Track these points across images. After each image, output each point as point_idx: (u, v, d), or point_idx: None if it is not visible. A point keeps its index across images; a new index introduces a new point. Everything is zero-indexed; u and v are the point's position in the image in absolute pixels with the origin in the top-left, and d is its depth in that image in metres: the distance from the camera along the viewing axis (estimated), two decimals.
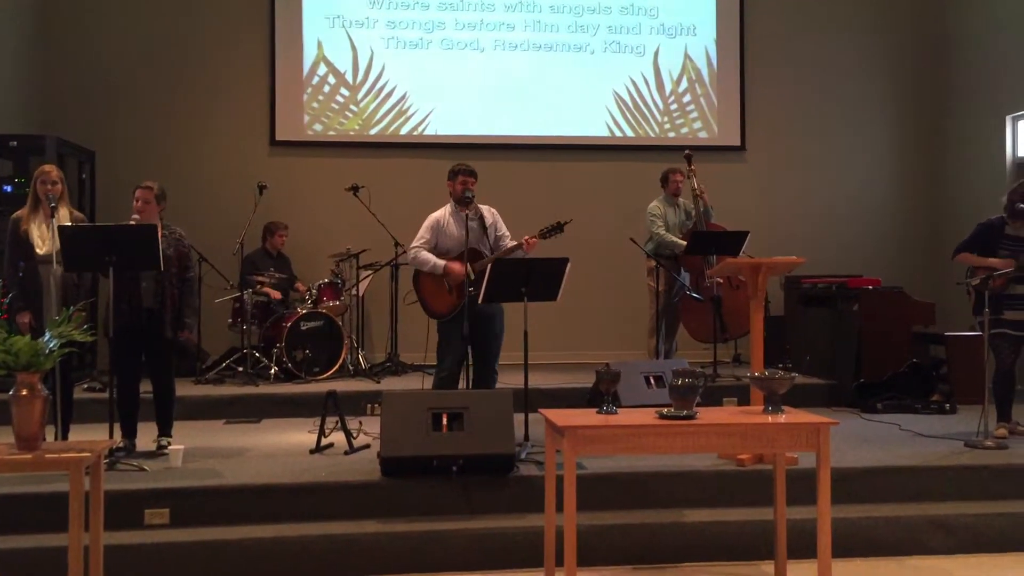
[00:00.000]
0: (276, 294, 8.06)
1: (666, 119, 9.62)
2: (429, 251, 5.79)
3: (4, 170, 7.44)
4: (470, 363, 5.71)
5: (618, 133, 9.56)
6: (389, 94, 9.29)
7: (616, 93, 9.54)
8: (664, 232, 7.59)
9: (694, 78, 9.65)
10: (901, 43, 9.84)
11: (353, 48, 9.25)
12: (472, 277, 5.57)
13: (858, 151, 9.83)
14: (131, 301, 5.32)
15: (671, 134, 9.60)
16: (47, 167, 5.47)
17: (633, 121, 9.58)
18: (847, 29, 9.79)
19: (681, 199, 7.81)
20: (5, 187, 7.37)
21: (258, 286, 7.87)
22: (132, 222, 5.29)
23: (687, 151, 7.83)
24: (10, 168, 7.45)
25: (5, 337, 3.46)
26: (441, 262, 5.73)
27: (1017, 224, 5.88)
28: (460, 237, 5.71)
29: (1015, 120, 8.70)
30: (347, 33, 9.25)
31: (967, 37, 9.38)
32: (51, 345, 3.52)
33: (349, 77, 9.25)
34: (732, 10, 9.67)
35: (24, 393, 3.45)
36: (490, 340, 5.76)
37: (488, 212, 5.91)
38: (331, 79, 9.24)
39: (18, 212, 5.44)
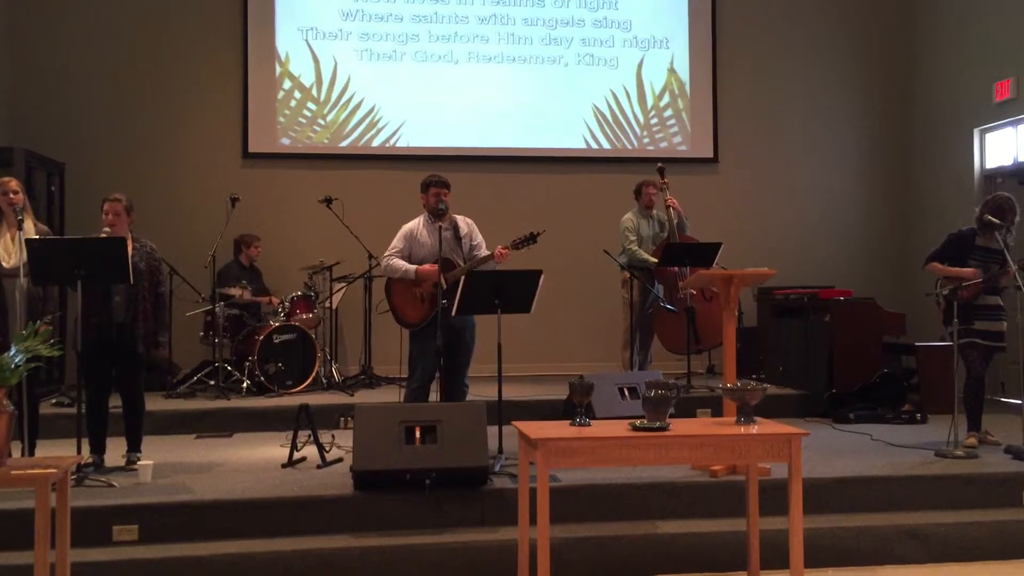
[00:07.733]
0: (253, 299, 8.04)
1: (645, 132, 9.66)
2: (402, 259, 5.80)
3: None
4: (440, 375, 5.70)
5: (595, 146, 9.58)
6: (357, 106, 9.25)
7: (595, 106, 9.57)
8: (636, 248, 7.61)
9: (675, 91, 9.70)
10: (871, 58, 9.96)
11: (315, 60, 9.20)
12: (445, 287, 5.56)
13: (829, 164, 9.92)
14: (102, 315, 5.26)
15: (650, 147, 9.64)
16: (4, 178, 5.40)
17: (611, 134, 9.61)
18: (818, 43, 9.89)
19: (655, 211, 7.85)
20: None
21: (232, 298, 7.82)
22: (103, 235, 5.24)
23: (659, 164, 7.87)
24: None
25: None
26: (412, 267, 5.75)
27: (987, 236, 5.95)
28: (433, 247, 5.71)
29: (982, 133, 8.82)
30: (309, 46, 9.18)
31: (935, 52, 9.51)
32: (17, 360, 3.47)
33: (314, 91, 9.21)
34: (704, 23, 9.73)
35: None
36: (460, 352, 5.77)
37: (463, 222, 5.92)
38: (297, 93, 9.20)
39: None
